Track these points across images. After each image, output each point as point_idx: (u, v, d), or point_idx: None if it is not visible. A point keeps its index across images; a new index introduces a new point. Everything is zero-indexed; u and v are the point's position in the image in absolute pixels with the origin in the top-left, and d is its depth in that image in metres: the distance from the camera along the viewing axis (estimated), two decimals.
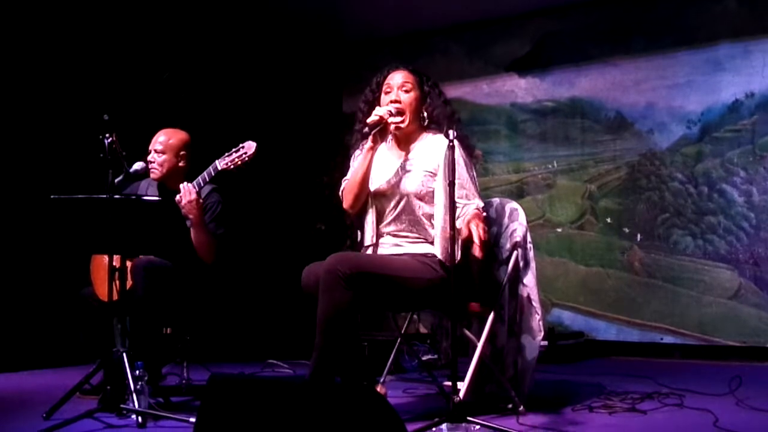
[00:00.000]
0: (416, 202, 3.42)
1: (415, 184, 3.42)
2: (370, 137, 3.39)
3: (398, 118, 3.43)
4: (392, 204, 3.47)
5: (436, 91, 3.55)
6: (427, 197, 3.42)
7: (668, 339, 5.33)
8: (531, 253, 3.57)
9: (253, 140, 3.80)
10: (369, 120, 3.40)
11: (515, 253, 3.51)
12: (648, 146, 5.51)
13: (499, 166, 6.05)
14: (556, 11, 5.82)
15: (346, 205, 3.53)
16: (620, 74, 5.61)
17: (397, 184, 3.45)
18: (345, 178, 3.57)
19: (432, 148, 3.45)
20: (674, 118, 5.42)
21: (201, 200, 3.85)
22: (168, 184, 4.13)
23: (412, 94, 3.48)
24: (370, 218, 3.52)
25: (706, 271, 5.25)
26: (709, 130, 5.30)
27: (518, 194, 5.84)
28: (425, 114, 3.51)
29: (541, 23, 5.90)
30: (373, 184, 3.49)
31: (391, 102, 3.46)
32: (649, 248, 5.46)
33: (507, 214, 3.64)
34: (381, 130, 3.42)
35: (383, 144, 3.58)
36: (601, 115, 5.68)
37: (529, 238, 3.58)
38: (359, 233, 3.57)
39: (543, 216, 5.84)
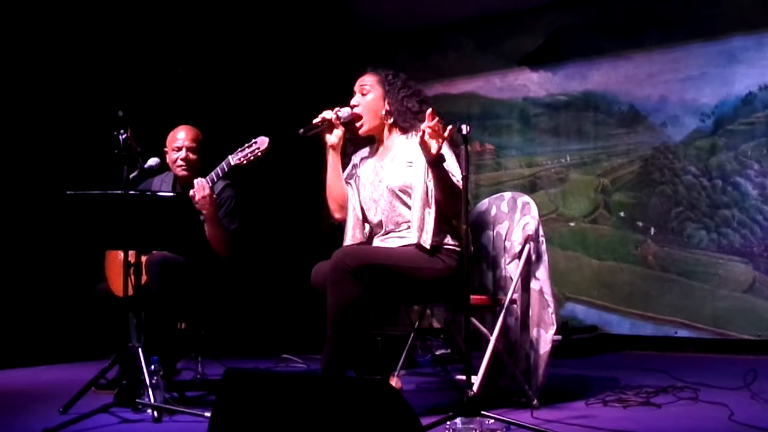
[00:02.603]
0: (402, 197, 3.41)
1: (398, 178, 3.40)
2: (325, 137, 3.47)
3: (364, 127, 3.50)
4: (380, 206, 3.47)
5: (397, 86, 3.52)
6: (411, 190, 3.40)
7: (682, 333, 5.31)
8: (543, 247, 3.57)
9: (263, 134, 3.81)
10: (313, 121, 3.46)
11: (528, 246, 3.52)
12: (661, 140, 5.49)
13: (512, 161, 6.05)
14: (568, 5, 5.80)
15: (330, 210, 3.59)
16: (633, 67, 5.59)
17: (381, 182, 3.47)
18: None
19: (409, 146, 3.43)
20: (687, 111, 5.39)
21: (214, 195, 3.88)
22: (183, 179, 4.15)
23: (370, 96, 3.52)
24: (352, 222, 3.53)
25: (720, 265, 5.23)
26: (723, 123, 5.27)
27: (531, 188, 5.82)
28: (384, 112, 3.51)
29: (554, 17, 5.88)
30: (361, 193, 3.54)
31: (352, 106, 3.52)
32: (663, 242, 5.44)
33: (519, 208, 3.64)
34: (329, 129, 3.47)
35: (366, 155, 3.61)
36: (614, 108, 5.66)
37: (541, 232, 3.58)
38: (344, 236, 3.56)
39: (556, 210, 5.83)
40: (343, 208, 3.56)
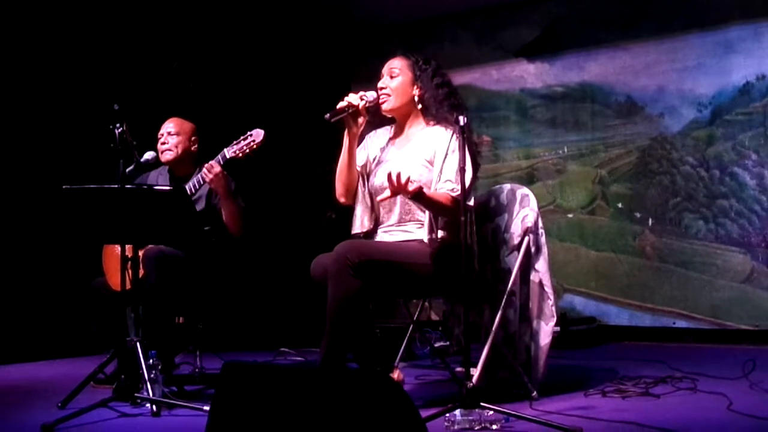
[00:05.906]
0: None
1: (414, 174, 3.33)
2: (349, 123, 3.41)
3: (387, 104, 3.46)
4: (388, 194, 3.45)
5: (429, 73, 3.49)
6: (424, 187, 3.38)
7: (681, 323, 5.32)
8: (542, 239, 3.57)
9: (261, 128, 3.81)
10: (338, 105, 3.40)
11: (526, 239, 3.51)
12: (659, 130, 5.48)
13: (509, 152, 6.03)
14: None
15: (336, 193, 3.58)
16: (630, 58, 5.57)
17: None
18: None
19: (429, 139, 3.42)
20: (685, 102, 5.38)
21: (225, 172, 3.87)
22: (178, 172, 4.15)
23: (399, 79, 3.48)
24: (361, 208, 3.54)
25: (718, 255, 5.23)
26: (720, 113, 5.26)
27: (529, 180, 5.82)
28: (416, 98, 3.48)
29: (550, 8, 5.86)
30: (371, 175, 3.52)
31: (379, 89, 3.48)
32: (661, 232, 5.44)
33: (518, 200, 3.63)
34: (353, 115, 3.40)
35: (385, 132, 3.60)
36: (611, 99, 5.65)
37: (540, 224, 3.57)
38: (352, 223, 3.57)
39: (554, 201, 5.83)
40: (350, 192, 3.55)
